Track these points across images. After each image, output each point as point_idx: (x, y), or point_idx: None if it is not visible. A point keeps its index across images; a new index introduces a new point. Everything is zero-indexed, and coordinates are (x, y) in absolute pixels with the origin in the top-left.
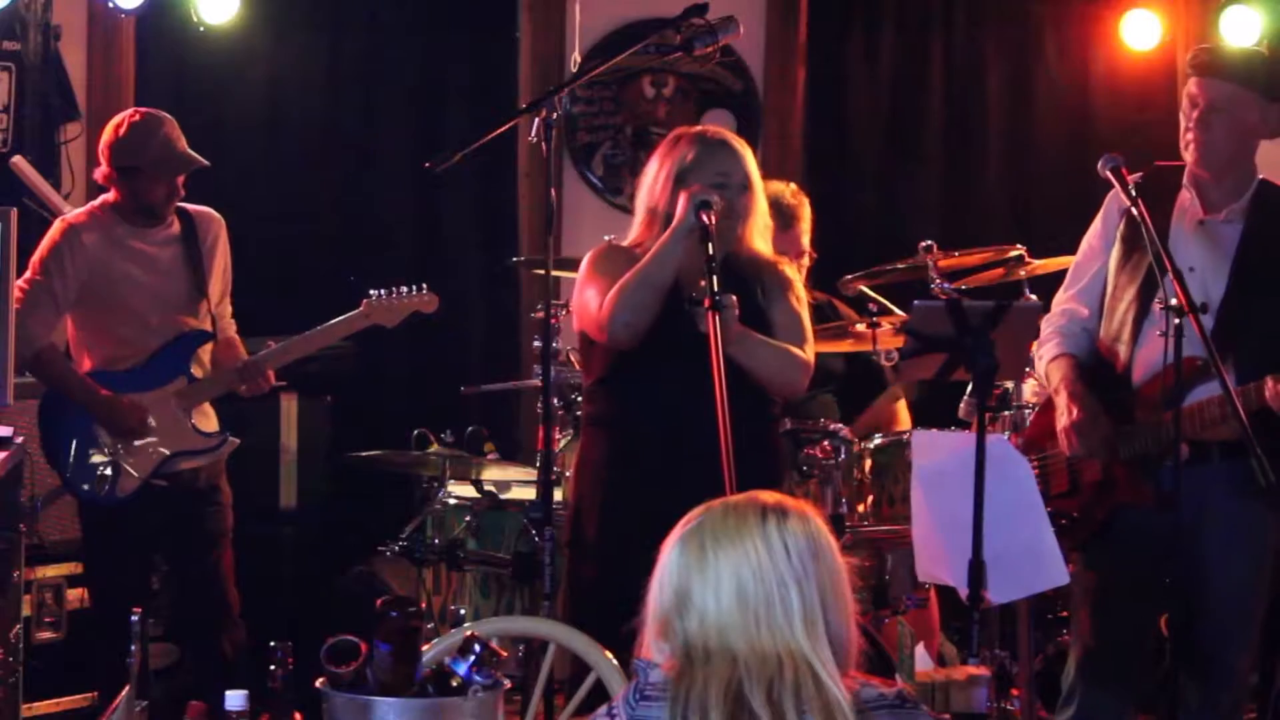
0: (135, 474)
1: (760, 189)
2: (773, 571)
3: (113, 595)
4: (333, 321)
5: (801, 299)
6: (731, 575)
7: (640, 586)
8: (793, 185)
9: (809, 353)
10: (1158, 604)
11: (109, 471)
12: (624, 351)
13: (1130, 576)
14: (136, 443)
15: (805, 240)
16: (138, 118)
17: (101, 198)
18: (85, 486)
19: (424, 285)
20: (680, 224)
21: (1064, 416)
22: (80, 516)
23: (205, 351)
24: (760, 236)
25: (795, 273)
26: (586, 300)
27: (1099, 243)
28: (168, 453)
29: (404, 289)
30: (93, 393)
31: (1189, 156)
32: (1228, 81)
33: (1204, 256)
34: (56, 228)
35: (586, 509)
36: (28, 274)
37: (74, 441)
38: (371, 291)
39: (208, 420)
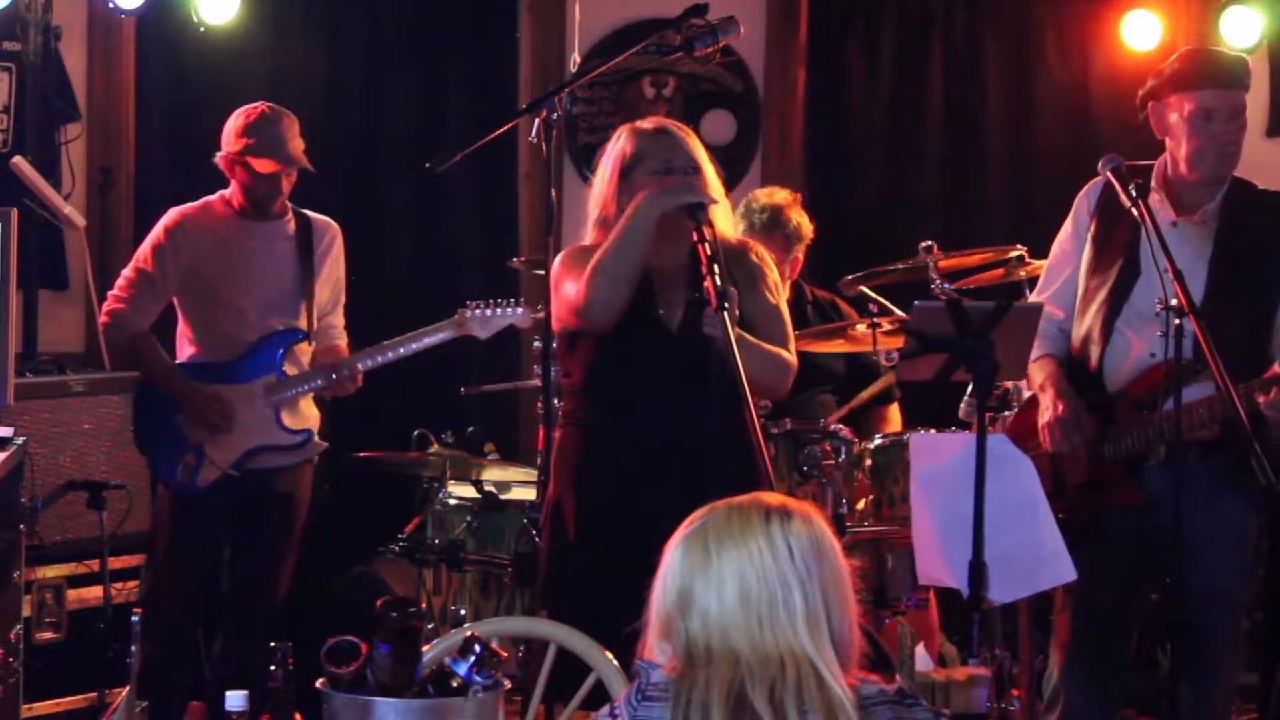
0: (217, 465)
1: (710, 170)
2: (776, 572)
3: (169, 583)
4: (424, 329)
5: (776, 288)
6: (735, 575)
7: (614, 582)
8: (781, 196)
9: (792, 351)
10: (1139, 604)
11: (192, 461)
12: (600, 354)
13: (1113, 577)
14: (221, 434)
15: (788, 269)
16: (262, 109)
17: (222, 192)
18: (170, 474)
19: (521, 300)
20: (656, 192)
21: (1047, 412)
22: (160, 502)
23: (303, 352)
24: (722, 218)
25: (766, 254)
26: (565, 293)
27: (1070, 245)
28: (249, 446)
29: (500, 301)
30: (179, 382)
31: (1206, 168)
32: (1244, 90)
33: (1179, 258)
34: (166, 216)
35: (565, 508)
36: (135, 261)
37: (163, 430)
38: (468, 302)
39: (299, 419)
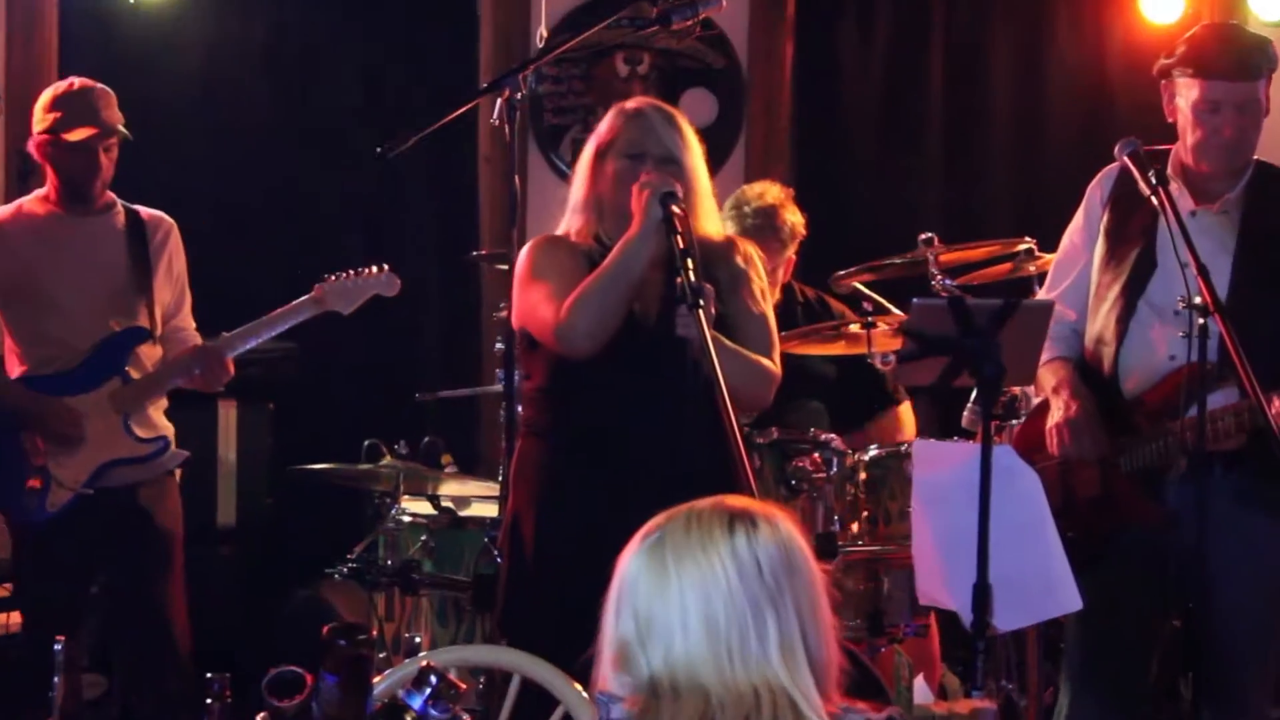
0: (66, 486)
1: (697, 162)
2: (744, 595)
3: (43, 619)
4: (282, 309)
5: (763, 294)
6: (699, 600)
7: (579, 606)
8: (774, 193)
9: (776, 360)
10: (1158, 630)
11: (38, 485)
12: (569, 357)
13: (1129, 602)
14: (67, 452)
15: (773, 263)
16: (70, 82)
17: (37, 191)
18: (13, 502)
19: (384, 265)
20: (643, 222)
21: (1059, 413)
22: (11, 534)
23: (147, 354)
24: (706, 216)
25: (755, 254)
26: (532, 302)
27: (1081, 238)
28: (101, 461)
29: (360, 270)
30: (21, 395)
31: (1211, 162)
32: (1260, 79)
33: (1199, 251)
34: None
35: (524, 523)
36: None
37: (1, 455)
38: (326, 275)
39: (150, 427)
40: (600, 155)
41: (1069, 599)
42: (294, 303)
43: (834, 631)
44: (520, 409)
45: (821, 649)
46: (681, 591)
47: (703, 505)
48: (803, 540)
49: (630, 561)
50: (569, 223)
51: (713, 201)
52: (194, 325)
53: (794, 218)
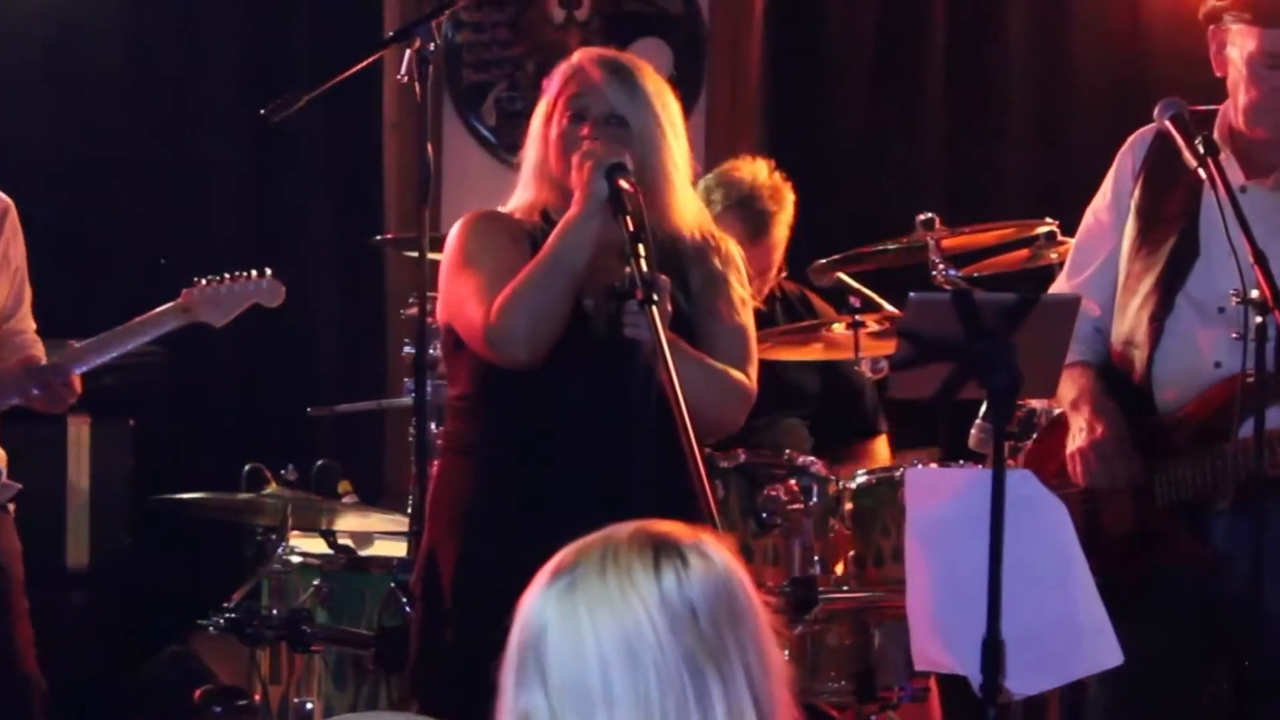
0: None
1: (661, 125)
2: (679, 653)
3: None
4: (141, 318)
5: (745, 300)
6: (624, 662)
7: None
8: (766, 169)
9: (751, 376)
10: (1203, 693)
11: None
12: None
13: (1169, 660)
14: None
15: (778, 253)
16: None
17: None
18: None
19: (266, 270)
20: (586, 199)
21: (1081, 435)
22: None
23: None
24: (677, 197)
25: (737, 253)
26: (460, 296)
27: (1108, 216)
28: None
29: (237, 275)
30: None
31: (1268, 126)
32: None
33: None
34: None
35: (443, 558)
36: None
37: None
38: (196, 280)
39: None
40: (548, 117)
41: (1106, 653)
42: (157, 311)
43: (784, 677)
44: (440, 423)
45: (774, 709)
46: (601, 651)
47: (620, 535)
48: (741, 570)
49: (534, 607)
50: (517, 197)
51: (686, 177)
52: (35, 327)
53: (790, 197)
